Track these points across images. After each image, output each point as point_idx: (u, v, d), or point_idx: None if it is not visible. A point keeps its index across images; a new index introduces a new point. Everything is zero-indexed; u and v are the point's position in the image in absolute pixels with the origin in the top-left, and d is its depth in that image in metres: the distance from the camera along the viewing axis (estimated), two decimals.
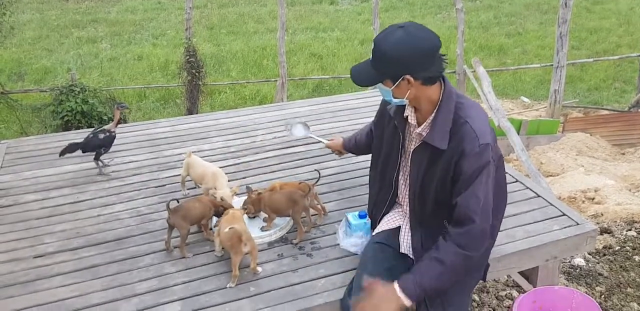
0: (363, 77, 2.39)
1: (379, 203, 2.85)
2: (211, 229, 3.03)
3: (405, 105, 2.51)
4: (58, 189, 3.60)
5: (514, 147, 7.47)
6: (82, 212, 3.34)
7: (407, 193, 2.65)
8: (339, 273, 2.76)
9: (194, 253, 2.90)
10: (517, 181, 3.54)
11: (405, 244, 2.69)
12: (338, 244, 2.95)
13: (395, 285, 2.35)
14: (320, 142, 3.61)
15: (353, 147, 3.32)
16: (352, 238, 2.90)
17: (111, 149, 3.79)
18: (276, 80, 12.12)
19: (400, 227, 2.76)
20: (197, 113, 10.66)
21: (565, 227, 3.08)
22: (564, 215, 3.19)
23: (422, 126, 2.46)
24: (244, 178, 3.65)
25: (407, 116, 2.53)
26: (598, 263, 4.27)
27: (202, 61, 11.79)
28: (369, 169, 2.96)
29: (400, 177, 2.72)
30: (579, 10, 18.62)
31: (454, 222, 2.39)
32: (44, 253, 2.96)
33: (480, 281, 2.75)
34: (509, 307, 3.70)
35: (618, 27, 18.08)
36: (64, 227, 3.19)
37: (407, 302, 2.33)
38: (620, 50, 15.81)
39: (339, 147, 3.41)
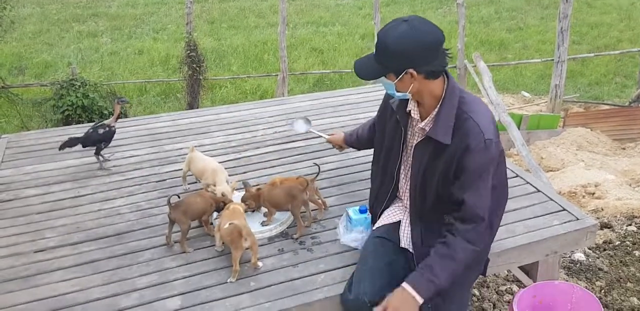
0: (366, 71, 2.39)
1: (380, 198, 2.85)
2: (211, 224, 3.03)
3: (408, 100, 2.51)
4: (59, 184, 3.60)
5: (515, 141, 7.46)
6: (83, 207, 3.34)
7: (408, 187, 2.65)
8: (339, 268, 2.77)
9: (195, 248, 2.91)
10: (517, 176, 3.54)
11: (405, 238, 2.70)
12: (338, 239, 2.95)
13: (408, 287, 2.35)
14: (321, 137, 3.61)
15: (354, 141, 3.32)
16: (353, 234, 2.90)
17: (112, 144, 3.79)
18: (277, 75, 12.09)
19: (400, 221, 2.76)
20: (197, 108, 10.66)
21: (565, 222, 3.09)
22: (564, 210, 3.19)
23: (425, 121, 2.46)
24: (244, 173, 3.65)
25: (409, 110, 2.53)
26: (598, 258, 4.28)
27: (203, 55, 11.74)
28: (369, 164, 2.97)
29: (401, 171, 2.72)
30: (580, 5, 18.56)
31: (462, 218, 2.39)
32: (44, 248, 2.96)
33: (481, 276, 2.76)
34: (509, 302, 3.70)
35: (619, 22, 18.03)
36: (64, 221, 3.20)
37: (421, 301, 2.35)
38: (621, 45, 15.76)
39: (340, 141, 3.41)
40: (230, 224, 2.65)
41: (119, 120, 3.85)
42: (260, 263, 2.75)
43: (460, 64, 11.58)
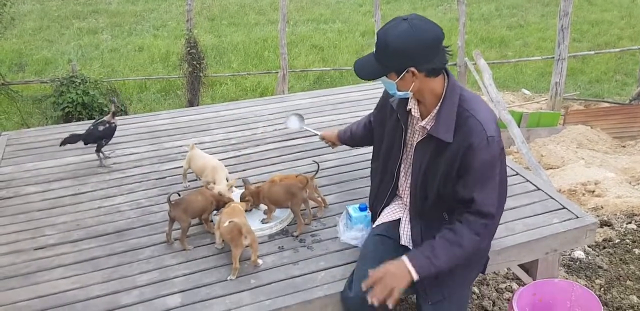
0: (367, 71, 2.39)
1: (380, 195, 2.86)
2: (212, 221, 3.03)
3: (408, 98, 2.51)
4: (59, 181, 3.60)
5: (515, 139, 7.46)
6: (83, 204, 3.34)
7: (408, 185, 2.66)
8: (339, 265, 2.77)
9: (195, 245, 2.91)
10: (517, 174, 3.54)
11: (405, 236, 2.70)
12: (338, 237, 2.95)
13: (406, 261, 2.37)
14: (314, 134, 3.59)
15: (348, 138, 3.32)
16: (353, 232, 2.90)
17: (112, 141, 3.80)
18: (277, 72, 12.08)
19: (400, 219, 2.77)
20: (198, 105, 10.66)
21: (565, 220, 3.09)
22: (564, 208, 3.19)
23: (425, 119, 2.46)
24: (244, 170, 3.66)
25: (409, 109, 2.53)
26: (598, 256, 4.28)
27: (203, 52, 11.74)
28: (370, 162, 2.97)
29: (401, 169, 2.72)
30: (581, 3, 18.55)
31: (474, 213, 2.39)
32: (44, 245, 2.96)
33: (480, 274, 2.76)
34: (508, 300, 3.70)
35: (619, 20, 18.01)
36: (64, 218, 3.20)
37: (416, 278, 2.36)
38: (622, 43, 15.75)
39: (333, 138, 3.40)
40: (230, 222, 2.66)
41: (118, 117, 3.85)
42: (260, 261, 2.76)
43: (461, 62, 11.56)
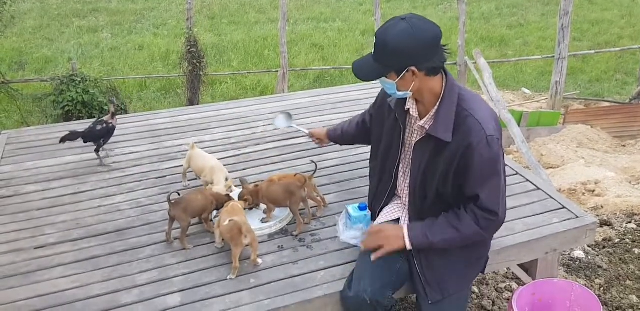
0: (366, 72, 2.38)
1: (379, 195, 2.86)
2: (211, 221, 3.03)
3: (407, 98, 2.51)
4: (59, 180, 3.60)
5: (515, 138, 7.45)
6: (83, 203, 3.34)
7: (407, 185, 2.66)
8: (339, 265, 2.77)
9: (195, 244, 2.91)
10: (517, 174, 3.54)
11: None
12: (338, 236, 2.95)
13: (405, 230, 2.49)
14: (302, 132, 3.55)
15: (338, 137, 3.31)
16: (352, 231, 2.90)
17: (112, 140, 3.80)
18: (277, 71, 12.07)
19: (399, 218, 2.77)
20: (198, 104, 10.65)
21: (564, 220, 3.09)
22: (564, 207, 3.19)
23: (424, 119, 2.46)
24: (244, 169, 3.66)
25: (408, 109, 2.53)
26: (597, 255, 4.28)
27: (203, 51, 11.73)
28: (369, 161, 2.97)
29: (400, 169, 2.72)
30: (581, 2, 18.55)
31: (480, 208, 2.41)
32: (44, 244, 2.97)
33: (480, 273, 2.77)
34: (508, 299, 3.71)
35: (620, 19, 18.00)
36: (64, 217, 3.20)
37: (409, 246, 2.49)
38: (622, 42, 15.73)
39: (321, 136, 3.39)
40: (230, 221, 2.66)
41: (118, 116, 3.85)
42: (260, 260, 2.76)
43: (461, 61, 11.56)
